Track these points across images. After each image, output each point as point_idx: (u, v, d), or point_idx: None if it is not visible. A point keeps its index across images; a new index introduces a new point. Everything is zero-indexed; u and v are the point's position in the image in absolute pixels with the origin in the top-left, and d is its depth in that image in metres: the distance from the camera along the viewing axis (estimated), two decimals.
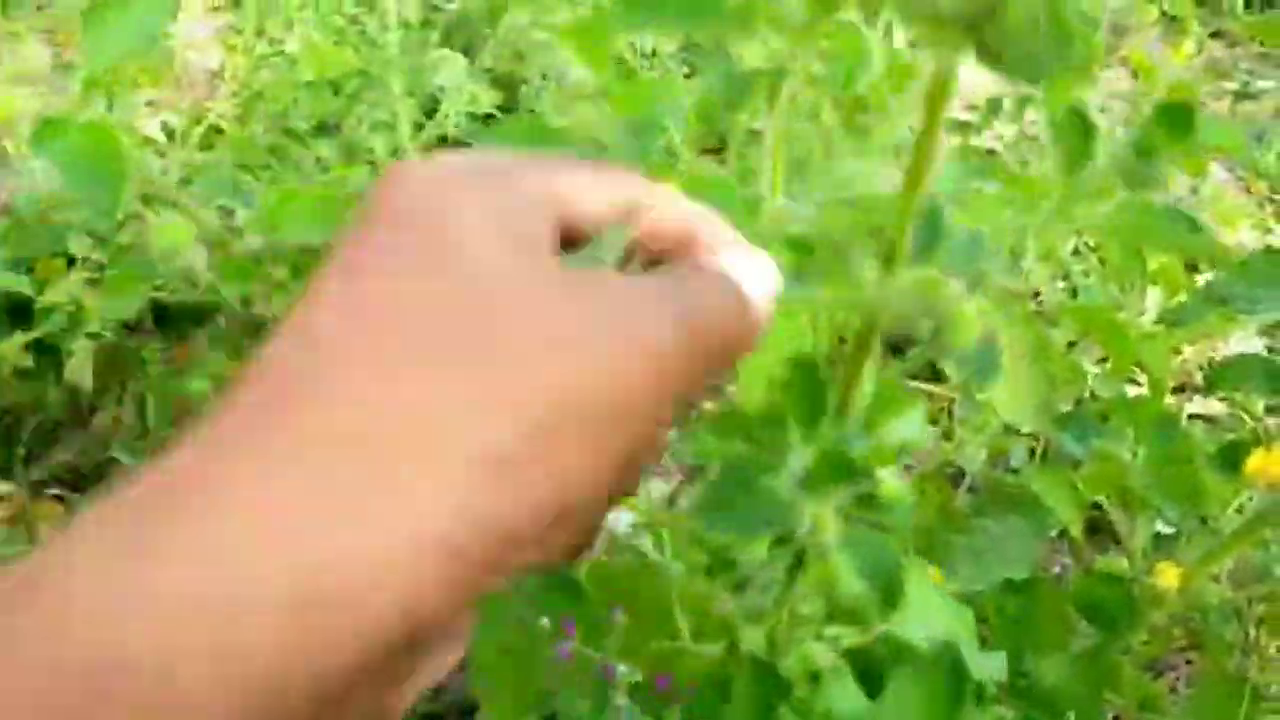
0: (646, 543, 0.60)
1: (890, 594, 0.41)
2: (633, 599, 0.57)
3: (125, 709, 0.25)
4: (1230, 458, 0.66)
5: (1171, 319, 0.66)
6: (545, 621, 0.54)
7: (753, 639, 0.52)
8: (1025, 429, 0.70)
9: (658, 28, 0.30)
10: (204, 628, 0.26)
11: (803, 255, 0.38)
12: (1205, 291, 0.64)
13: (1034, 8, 0.24)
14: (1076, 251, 0.90)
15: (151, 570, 0.27)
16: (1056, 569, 1.08)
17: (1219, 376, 0.70)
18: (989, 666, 0.60)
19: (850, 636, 0.54)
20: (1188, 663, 1.06)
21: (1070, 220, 0.88)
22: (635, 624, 0.57)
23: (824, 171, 0.57)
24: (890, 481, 0.43)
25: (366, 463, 0.29)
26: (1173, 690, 0.99)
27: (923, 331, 0.36)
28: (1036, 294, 0.78)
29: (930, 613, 0.58)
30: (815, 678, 0.52)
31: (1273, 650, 0.84)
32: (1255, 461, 0.66)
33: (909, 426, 0.48)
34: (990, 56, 0.26)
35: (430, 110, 0.99)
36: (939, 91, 0.30)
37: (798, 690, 0.51)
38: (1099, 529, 0.97)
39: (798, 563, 0.43)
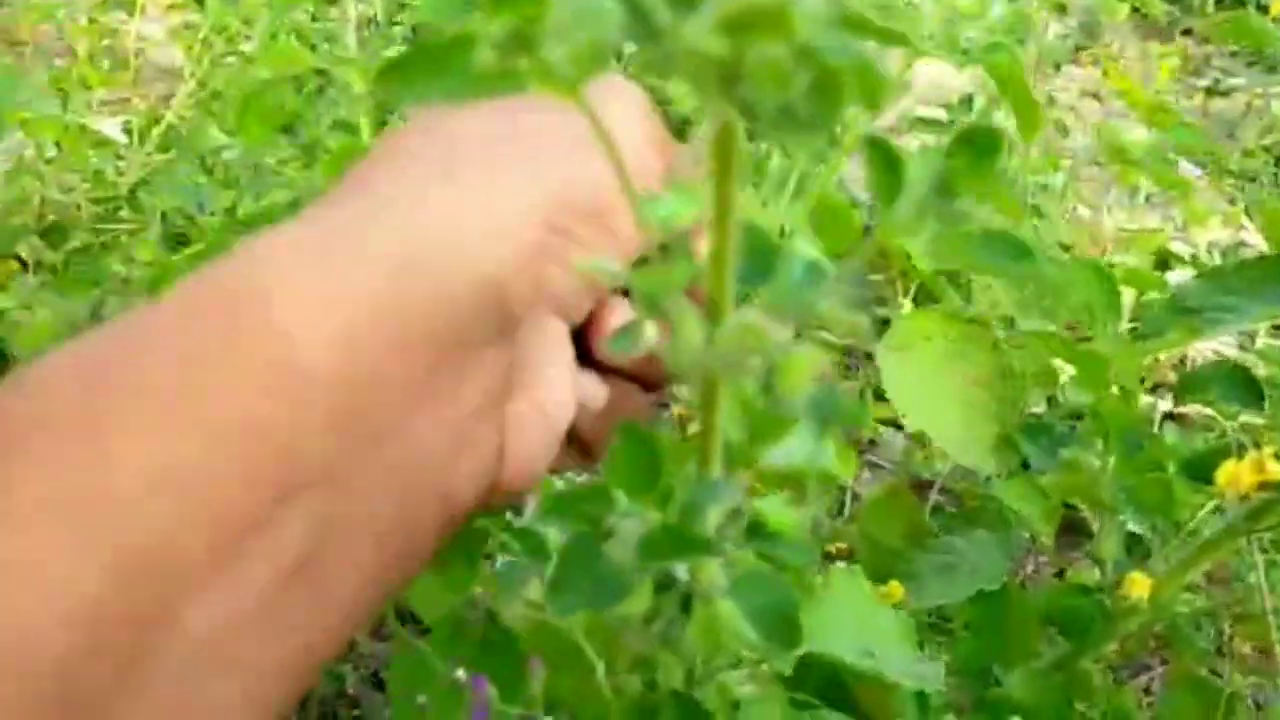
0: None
1: (786, 636, 0.39)
2: (538, 645, 0.55)
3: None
4: (1200, 467, 0.65)
5: (1141, 331, 0.65)
6: (461, 674, 0.52)
7: (670, 670, 0.50)
8: (987, 471, 0.69)
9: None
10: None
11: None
12: (1173, 301, 0.63)
13: (780, 58, 0.21)
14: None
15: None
16: (1030, 568, 1.07)
17: (1189, 385, 0.69)
18: (927, 675, 0.58)
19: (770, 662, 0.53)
20: (1163, 662, 1.06)
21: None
22: (550, 670, 0.55)
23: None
24: (778, 512, 0.42)
25: (486, 161, 0.39)
26: (1146, 691, 0.99)
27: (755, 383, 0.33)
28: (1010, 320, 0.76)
29: (860, 622, 0.57)
30: (736, 706, 0.51)
31: (1247, 651, 0.84)
32: (1226, 472, 0.65)
33: (798, 447, 0.47)
34: (751, 115, 0.23)
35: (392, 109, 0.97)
36: (724, 147, 0.27)
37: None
38: (1074, 527, 0.96)
39: (685, 608, 0.41)
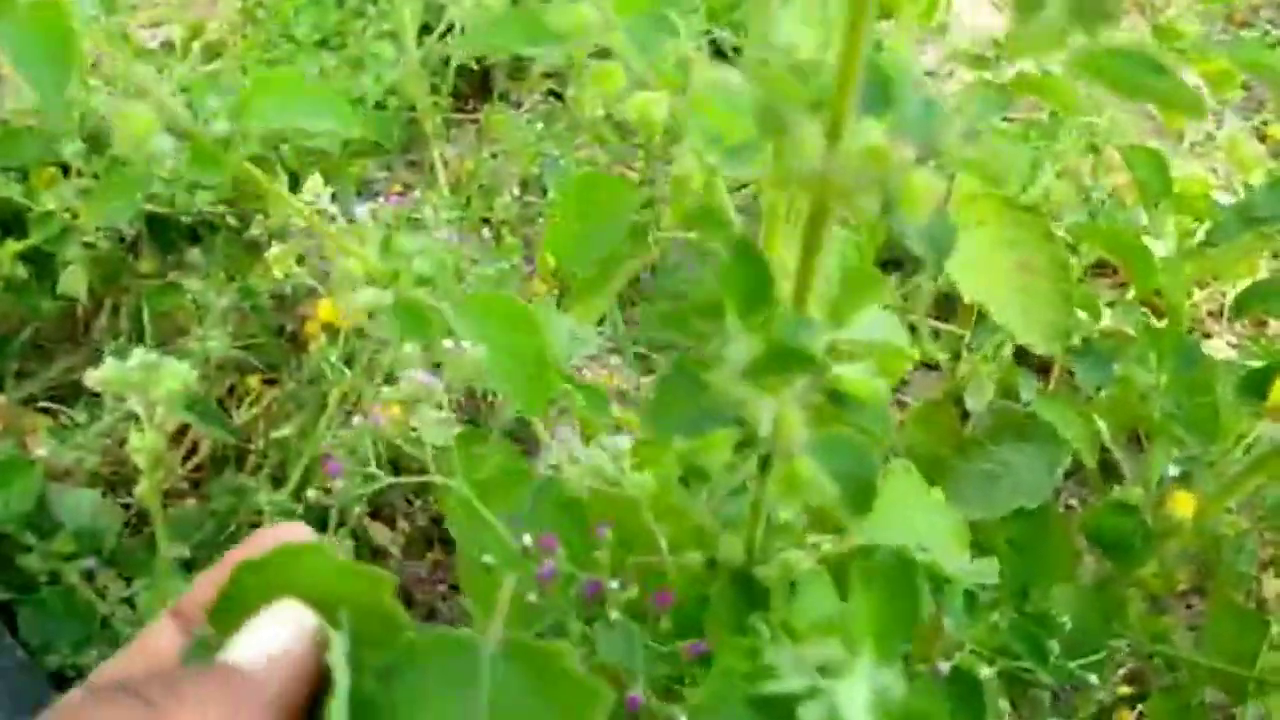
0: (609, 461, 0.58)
1: (861, 497, 0.39)
2: (607, 516, 0.56)
3: None
4: (1256, 384, 0.65)
5: (1202, 242, 0.65)
6: (527, 539, 0.53)
7: (731, 548, 0.50)
8: (1039, 350, 0.69)
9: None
10: None
11: (740, 127, 0.35)
12: (1241, 210, 0.62)
13: None
14: (1096, 177, 0.88)
15: None
16: (1061, 509, 1.06)
17: (1245, 300, 0.68)
18: (982, 571, 0.58)
19: (829, 545, 0.52)
20: (1188, 607, 1.06)
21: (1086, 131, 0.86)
22: (615, 540, 0.55)
23: (760, 37, 0.54)
24: (861, 379, 0.41)
25: None
26: (1190, 629, 0.98)
27: (873, 206, 0.33)
28: (1057, 219, 0.76)
29: (915, 519, 0.57)
30: (794, 586, 0.51)
31: None
32: (1279, 391, 0.64)
33: (879, 324, 0.46)
34: None
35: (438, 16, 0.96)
36: None
37: (777, 598, 0.49)
38: (1106, 467, 0.96)
39: (765, 467, 0.41)
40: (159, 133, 0.51)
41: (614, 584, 0.52)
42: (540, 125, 0.95)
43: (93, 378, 0.53)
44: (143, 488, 0.69)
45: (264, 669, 0.34)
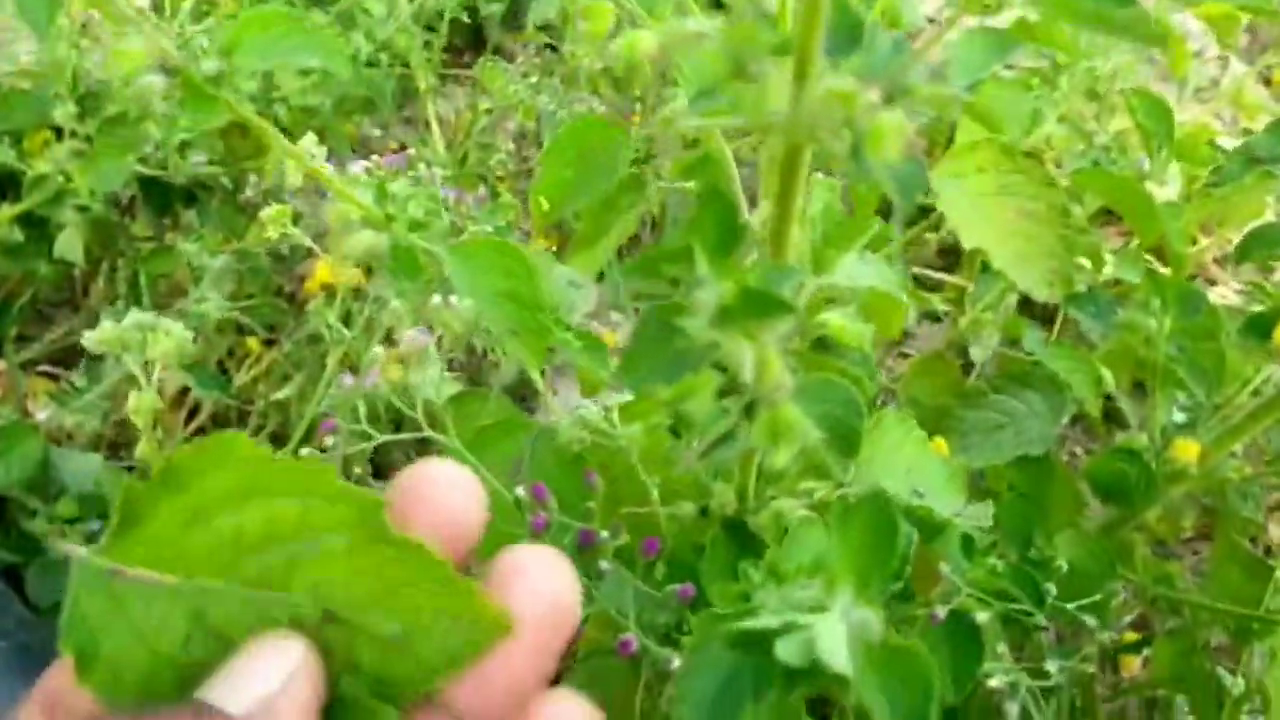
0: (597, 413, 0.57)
1: (847, 441, 0.39)
2: (599, 467, 0.55)
3: None
4: (1261, 327, 0.64)
5: (1206, 185, 0.64)
6: (520, 490, 0.52)
7: (723, 495, 0.50)
8: (1040, 298, 0.68)
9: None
10: None
11: (706, 74, 0.34)
12: (1244, 152, 0.61)
13: None
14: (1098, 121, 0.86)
15: None
16: (1065, 458, 1.06)
17: (1249, 245, 0.68)
18: (977, 515, 0.58)
19: (822, 490, 0.52)
20: (1194, 554, 1.05)
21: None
22: (608, 492, 0.55)
23: None
24: (845, 324, 0.41)
25: None
26: (1195, 573, 0.98)
27: (842, 149, 0.32)
28: (1059, 166, 0.75)
29: (910, 465, 0.56)
30: (786, 533, 0.50)
31: None
32: None
33: (870, 271, 0.46)
34: None
35: None
36: None
37: (770, 545, 0.49)
38: (1110, 418, 0.95)
39: (750, 413, 0.41)
40: (151, 70, 0.51)
41: (605, 534, 0.52)
42: (535, 79, 0.94)
43: (90, 339, 0.53)
44: (143, 448, 0.69)
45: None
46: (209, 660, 0.31)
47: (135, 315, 0.53)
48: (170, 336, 0.52)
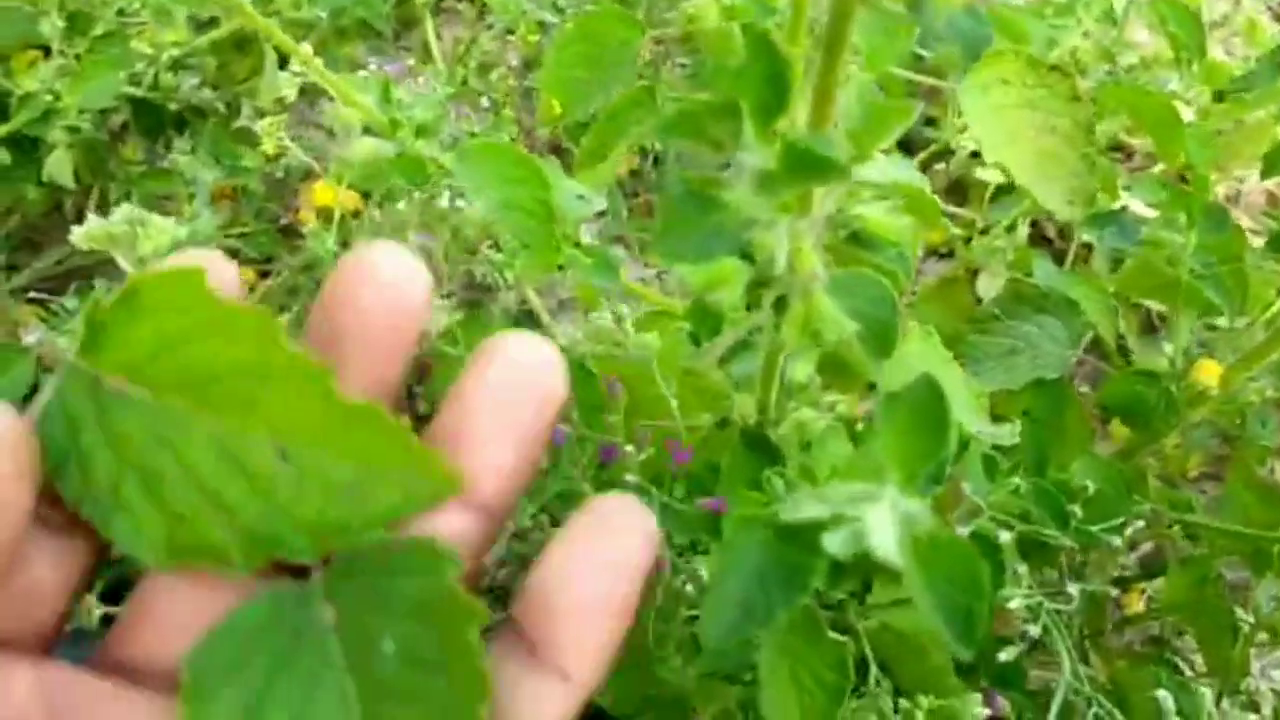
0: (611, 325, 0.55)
1: (883, 339, 0.37)
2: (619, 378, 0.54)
3: None
4: None
5: (1239, 86, 0.62)
6: None
7: (744, 406, 0.48)
8: (1061, 216, 0.66)
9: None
10: None
11: None
12: (1272, 56, 0.59)
13: None
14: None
15: None
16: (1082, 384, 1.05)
17: (1273, 161, 0.66)
18: (1001, 434, 0.57)
19: (844, 403, 0.51)
20: (1203, 493, 1.05)
21: None
22: (626, 406, 0.53)
23: None
24: (884, 218, 0.39)
25: None
26: None
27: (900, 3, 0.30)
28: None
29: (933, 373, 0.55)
30: (809, 446, 0.49)
31: None
32: None
33: (901, 168, 0.44)
34: None
35: None
36: None
37: (792, 457, 0.47)
38: (1121, 353, 0.94)
39: (780, 308, 0.39)
40: None
41: (629, 448, 0.51)
42: None
43: (77, 234, 0.51)
44: None
45: None
46: (168, 475, 0.31)
47: (125, 209, 0.51)
48: (163, 233, 0.50)
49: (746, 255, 0.36)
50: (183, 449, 0.31)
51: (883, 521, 0.29)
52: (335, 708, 0.29)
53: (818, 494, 0.33)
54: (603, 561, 0.32)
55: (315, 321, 0.33)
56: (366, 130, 0.52)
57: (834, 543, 0.29)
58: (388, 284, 0.33)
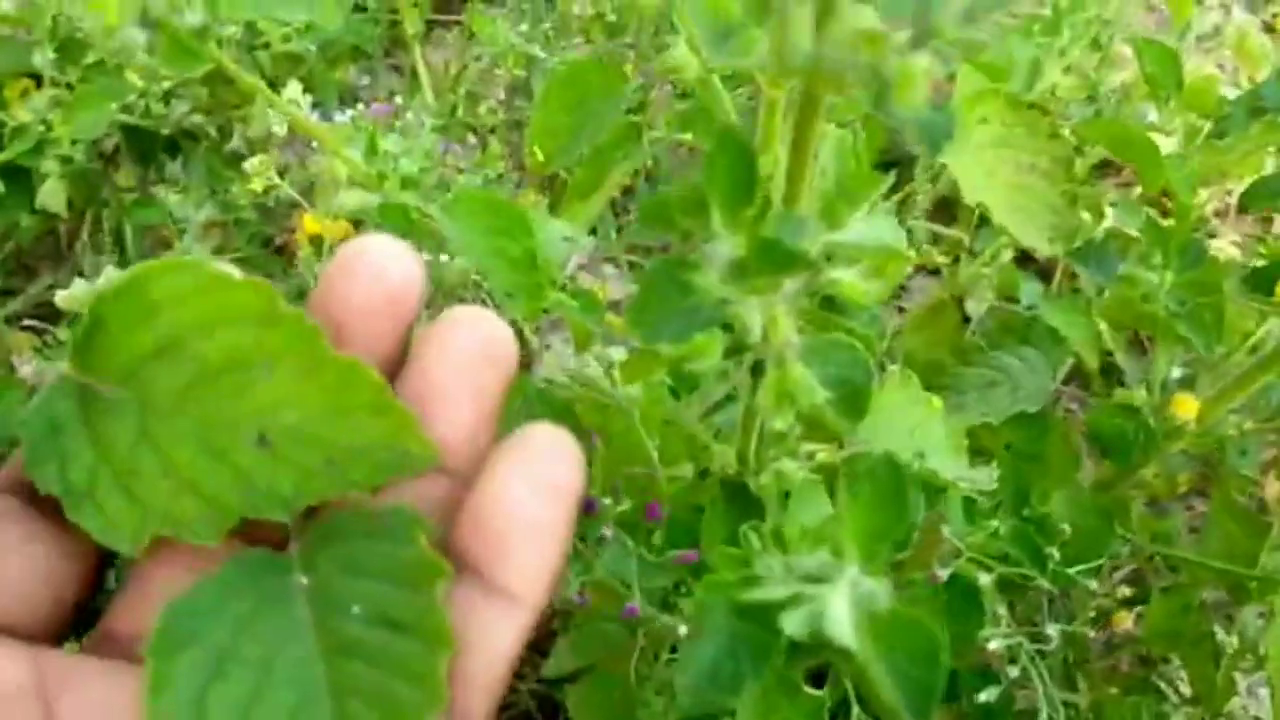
0: (599, 373, 0.56)
1: (855, 403, 0.38)
2: (599, 427, 0.54)
3: None
4: (1262, 280, 0.63)
5: (1210, 135, 0.62)
6: None
7: (724, 457, 0.49)
8: (1042, 253, 0.67)
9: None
10: None
11: (719, 14, 0.33)
12: (1245, 101, 0.60)
13: None
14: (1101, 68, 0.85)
15: None
16: (1060, 414, 1.05)
17: (1251, 195, 0.66)
18: (979, 479, 0.57)
19: (824, 454, 0.51)
20: (1188, 509, 1.05)
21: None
22: (607, 455, 0.54)
23: None
24: (854, 283, 0.40)
25: None
26: (1192, 530, 0.98)
27: (867, 95, 0.31)
28: (1065, 117, 0.74)
29: (912, 426, 0.56)
30: (788, 495, 0.50)
31: None
32: None
33: (876, 227, 0.44)
34: None
35: None
36: None
37: (771, 508, 0.48)
38: (1107, 372, 0.95)
39: (756, 373, 0.40)
40: (131, 24, 0.49)
41: (606, 500, 0.51)
42: (526, 26, 0.92)
43: (62, 298, 0.52)
44: None
45: None
46: (145, 471, 0.32)
47: (110, 271, 0.51)
48: None
49: (724, 324, 0.37)
50: (165, 445, 0.33)
51: (840, 603, 0.30)
52: (299, 665, 0.30)
53: (783, 564, 0.34)
54: (540, 485, 0.33)
55: (314, 308, 0.35)
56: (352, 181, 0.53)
57: (792, 623, 0.30)
58: (382, 276, 0.34)
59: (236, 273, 0.33)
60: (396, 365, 0.36)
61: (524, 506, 0.33)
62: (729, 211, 0.32)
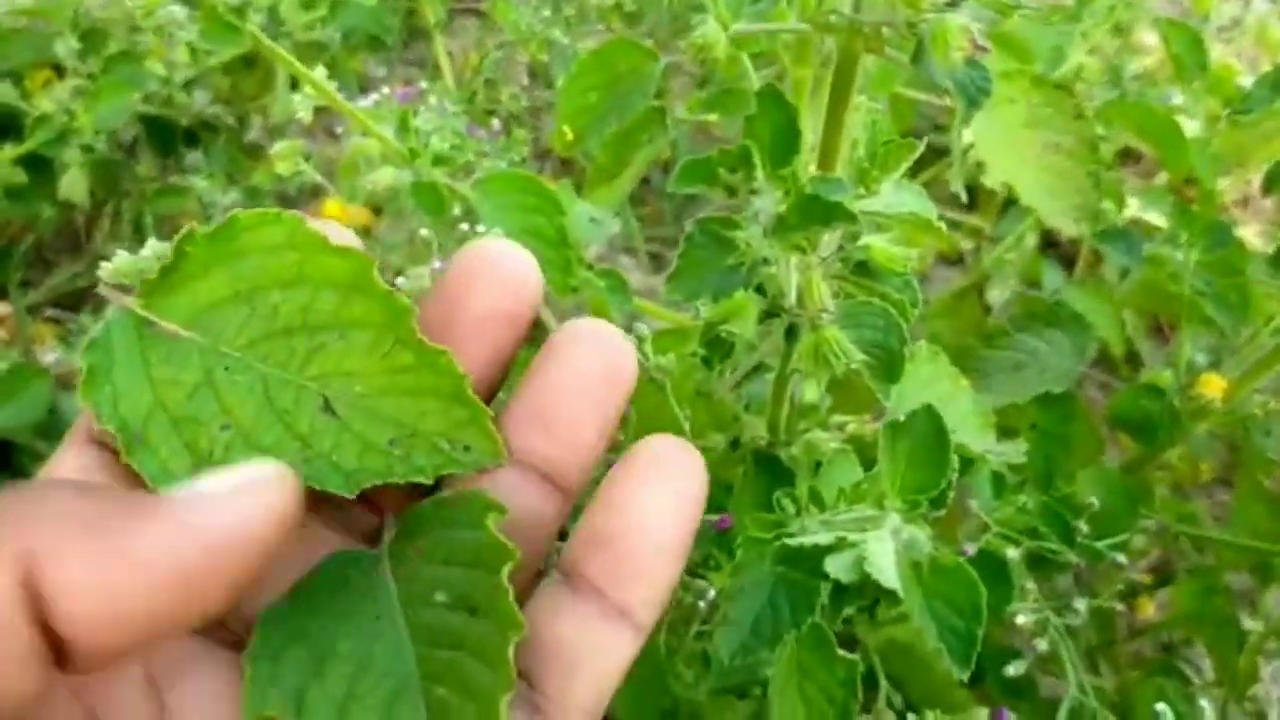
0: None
1: (890, 366, 0.38)
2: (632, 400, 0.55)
3: None
4: None
5: (1235, 109, 0.62)
6: None
7: (755, 428, 0.49)
8: (1067, 233, 0.67)
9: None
10: None
11: None
12: (1271, 77, 0.60)
13: None
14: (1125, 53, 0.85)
15: None
16: (1085, 400, 1.05)
17: (1275, 177, 0.66)
18: (1008, 452, 0.57)
19: (854, 425, 0.52)
20: (1210, 498, 1.05)
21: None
22: (636, 425, 0.54)
23: None
24: (888, 248, 0.40)
25: None
26: (1215, 520, 0.98)
27: (904, 54, 0.31)
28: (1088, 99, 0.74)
29: (942, 400, 0.56)
30: (819, 466, 0.50)
31: None
32: None
33: (907, 197, 0.44)
34: None
35: None
36: None
37: (802, 478, 0.48)
38: (1131, 359, 0.94)
39: (791, 337, 0.40)
40: (171, 1, 0.49)
41: None
42: (547, 12, 0.92)
43: (106, 270, 0.52)
44: None
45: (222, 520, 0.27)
46: (205, 419, 0.32)
47: (153, 244, 0.51)
48: None
49: (759, 288, 0.37)
50: (227, 396, 0.32)
51: (883, 548, 0.30)
52: (392, 658, 0.31)
53: (824, 519, 0.34)
54: (668, 505, 0.32)
55: (430, 309, 0.34)
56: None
57: (837, 566, 0.30)
58: (501, 279, 0.34)
59: (337, 233, 0.33)
60: (503, 370, 0.35)
61: (655, 527, 0.32)
62: (772, 167, 0.32)
